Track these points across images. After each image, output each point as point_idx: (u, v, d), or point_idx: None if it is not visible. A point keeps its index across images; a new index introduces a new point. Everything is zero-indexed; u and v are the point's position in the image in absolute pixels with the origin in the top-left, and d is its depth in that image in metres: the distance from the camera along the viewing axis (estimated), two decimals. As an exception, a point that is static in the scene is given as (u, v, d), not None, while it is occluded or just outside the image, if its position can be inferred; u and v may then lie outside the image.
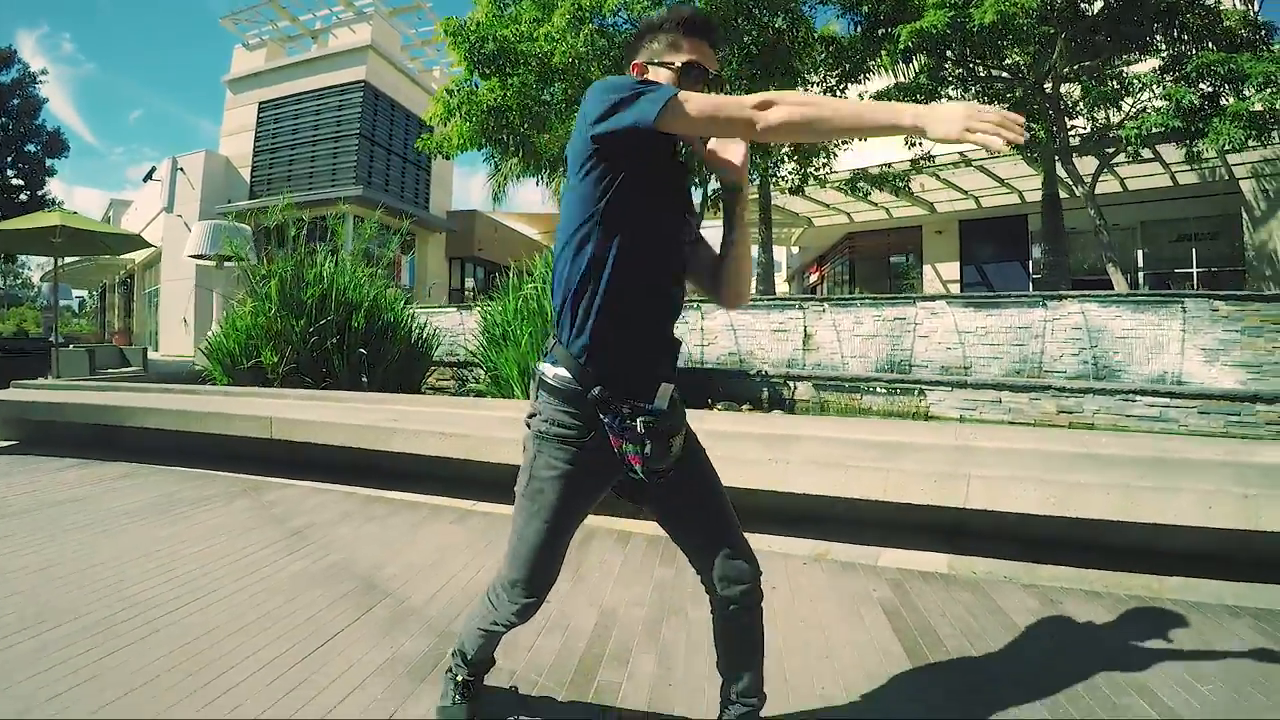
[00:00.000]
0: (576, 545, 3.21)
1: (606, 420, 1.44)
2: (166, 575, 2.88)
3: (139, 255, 26.52)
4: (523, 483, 1.56)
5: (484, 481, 3.93)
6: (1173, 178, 16.67)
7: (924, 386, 9.35)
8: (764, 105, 1.28)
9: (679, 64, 1.51)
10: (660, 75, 1.52)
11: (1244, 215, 15.96)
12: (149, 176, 24.39)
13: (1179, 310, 8.47)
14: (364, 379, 7.06)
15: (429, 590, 2.77)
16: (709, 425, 4.37)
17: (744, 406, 9.19)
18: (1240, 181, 15.79)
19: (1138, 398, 8.22)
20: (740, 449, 3.44)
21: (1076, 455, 3.46)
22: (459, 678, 1.82)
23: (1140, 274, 18.28)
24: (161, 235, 23.13)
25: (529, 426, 1.55)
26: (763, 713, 1.71)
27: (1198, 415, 8.01)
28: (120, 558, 3.08)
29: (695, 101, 1.31)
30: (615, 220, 1.42)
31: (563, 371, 1.48)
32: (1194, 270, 17.76)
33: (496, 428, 3.99)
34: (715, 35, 1.57)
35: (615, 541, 3.34)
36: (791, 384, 10.12)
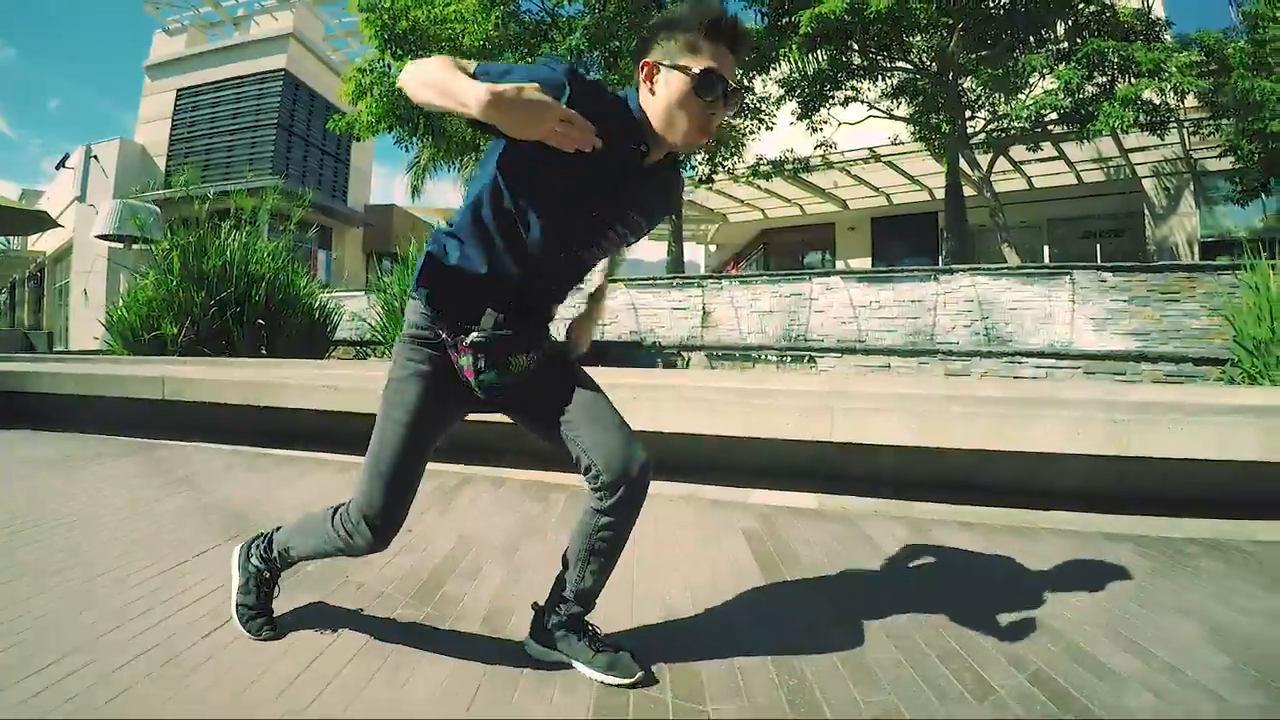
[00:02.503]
0: (450, 489, 3.29)
1: (443, 335, 1.49)
2: (52, 515, 2.89)
3: (49, 248, 25.37)
4: (384, 392, 1.56)
5: (362, 435, 3.93)
6: (1078, 176, 17.49)
7: (815, 354, 9.64)
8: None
9: (696, 70, 1.37)
10: (673, 80, 1.38)
11: (1146, 212, 16.84)
12: (61, 164, 23.42)
13: (1068, 281, 8.89)
14: (263, 351, 6.97)
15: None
16: (594, 378, 4.45)
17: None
18: (1142, 180, 16.66)
19: (1025, 359, 8.58)
20: (613, 394, 3.50)
21: (945, 396, 3.61)
22: (266, 574, 1.83)
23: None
24: (74, 224, 22.18)
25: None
26: (596, 622, 1.74)
27: (1084, 375, 8.38)
28: (9, 503, 3.08)
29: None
30: (505, 175, 1.43)
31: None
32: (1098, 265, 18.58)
33: (372, 381, 4.00)
34: (741, 42, 1.43)
35: (489, 485, 3.40)
36: (685, 354, 10.32)
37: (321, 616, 1.95)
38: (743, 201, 21.31)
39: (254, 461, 3.92)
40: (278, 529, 1.86)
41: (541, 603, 1.75)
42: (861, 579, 2.30)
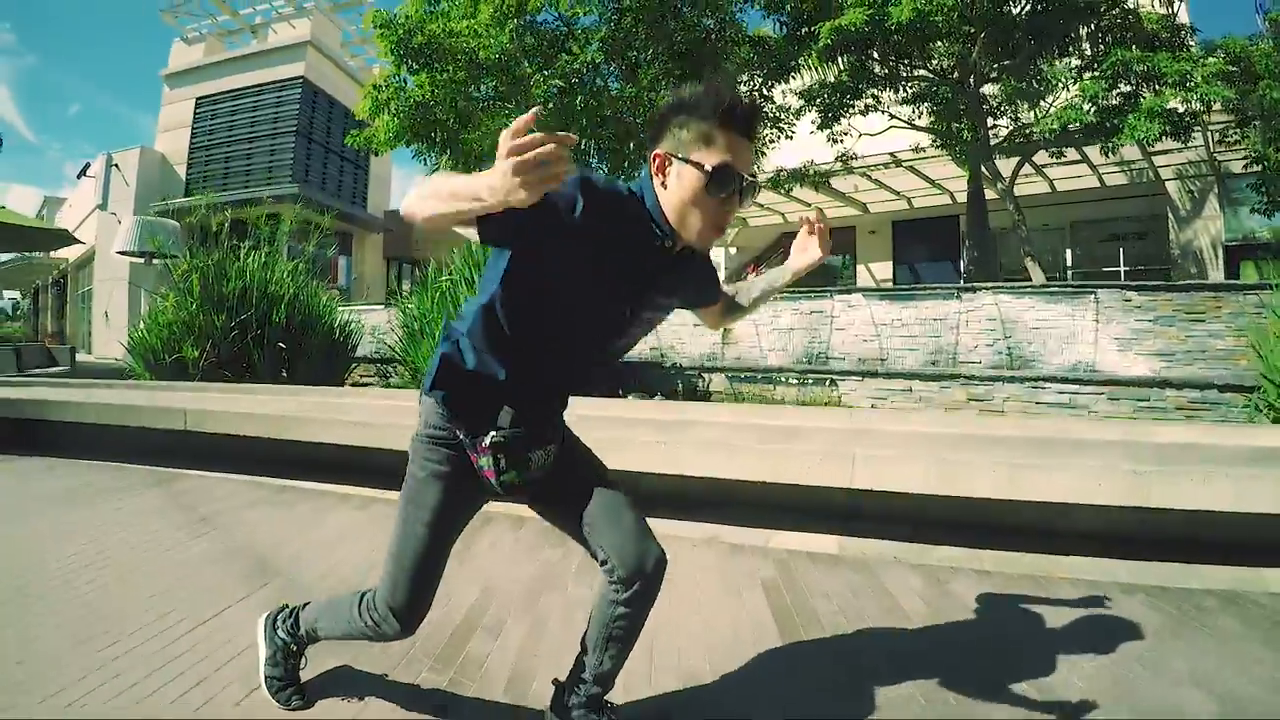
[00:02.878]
0: (472, 531, 3.26)
1: (461, 435, 1.46)
2: (71, 554, 2.93)
3: (72, 255, 25.70)
4: (404, 489, 1.54)
5: (388, 470, 3.96)
6: (1100, 179, 17.23)
7: (836, 377, 9.56)
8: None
9: (709, 166, 1.29)
10: (685, 174, 1.31)
11: (1170, 215, 16.58)
12: (83, 173, 23.72)
13: (1092, 301, 8.77)
14: (284, 373, 7.01)
15: (320, 570, 2.82)
16: (609, 412, 4.47)
17: (656, 397, 9.29)
18: (1166, 183, 16.41)
19: (1047, 384, 8.48)
20: (633, 433, 3.52)
21: (966, 436, 3.57)
22: (293, 647, 1.84)
23: (1069, 273, 18.84)
24: (95, 233, 22.48)
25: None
26: (613, 694, 1.74)
27: (1108, 401, 8.27)
28: (26, 539, 3.14)
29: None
30: (517, 287, 1.38)
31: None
32: (1121, 269, 18.32)
33: (402, 416, 4.02)
34: (756, 127, 1.37)
35: (510, 525, 3.40)
36: (706, 376, 10.26)
37: (349, 683, 1.96)
38: (763, 206, 21.23)
39: (277, 496, 3.95)
40: (305, 605, 1.86)
41: (562, 679, 1.74)
42: (878, 639, 2.29)
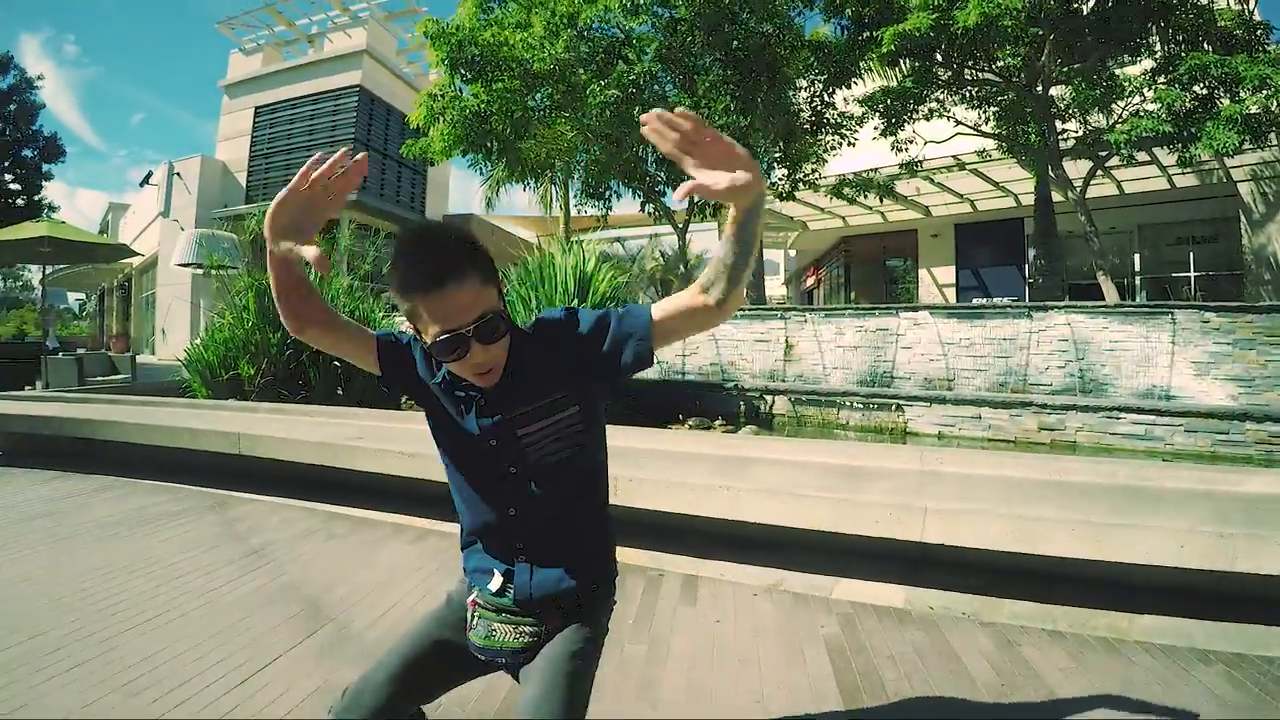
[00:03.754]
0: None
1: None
2: (126, 592, 2.97)
3: (136, 259, 26.60)
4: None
5: (439, 500, 3.91)
6: (1170, 181, 16.69)
7: (902, 402, 9.24)
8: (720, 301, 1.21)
9: (427, 345, 1.24)
10: None
11: (1242, 218, 15.98)
12: (145, 181, 24.52)
13: (1168, 322, 8.41)
14: (339, 391, 7.05)
15: (371, 616, 2.77)
16: (669, 446, 4.32)
17: (717, 422, 9.09)
18: (1238, 185, 15.81)
19: (1122, 415, 8.13)
20: (692, 474, 3.38)
21: (1043, 483, 3.37)
22: None
23: (1137, 278, 18.29)
24: (158, 240, 23.21)
25: None
26: None
27: (1184, 433, 7.89)
28: (85, 574, 3.16)
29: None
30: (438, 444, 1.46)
31: None
32: (1191, 274, 17.78)
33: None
34: (451, 270, 1.18)
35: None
36: (768, 398, 10.06)
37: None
38: (822, 210, 20.96)
39: (329, 525, 3.95)
40: None
41: None
42: (944, 709, 2.17)
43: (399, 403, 8.33)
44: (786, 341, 10.61)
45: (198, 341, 7.68)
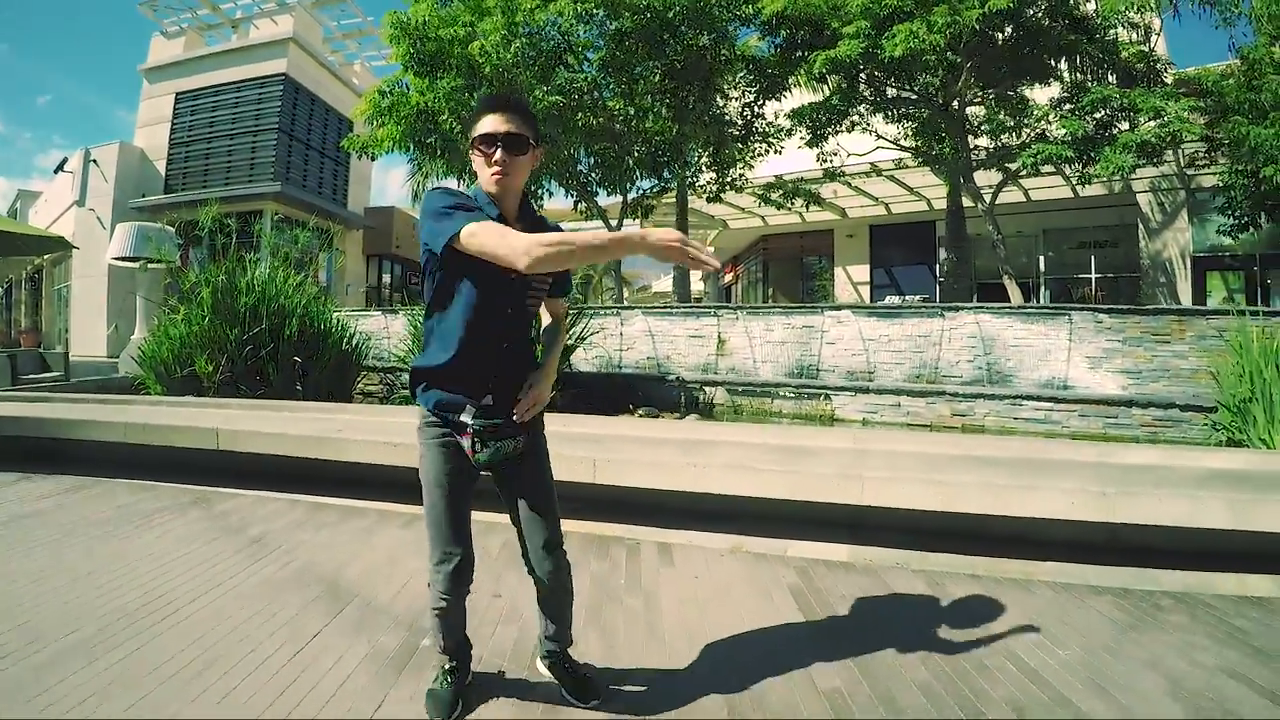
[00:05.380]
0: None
1: (449, 419, 2.00)
2: (143, 587, 3.01)
3: (49, 250, 25.26)
4: (419, 467, 2.07)
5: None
6: (1074, 190, 17.81)
7: (830, 392, 10.00)
8: (528, 247, 1.66)
9: (474, 136, 1.95)
10: (472, 153, 1.97)
11: (1140, 226, 17.21)
12: (60, 168, 23.41)
13: (1066, 321, 9.33)
14: (298, 387, 7.15)
15: (392, 589, 3.03)
16: (633, 431, 4.76)
17: (662, 413, 9.68)
18: (1138, 195, 17.00)
19: (1025, 402, 9.00)
20: (662, 454, 3.84)
21: (956, 457, 3.95)
22: (444, 665, 2.18)
23: (1042, 279, 19.45)
24: (73, 229, 22.19)
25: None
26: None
27: (1079, 418, 8.82)
28: (95, 571, 3.20)
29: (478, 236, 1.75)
30: (443, 289, 1.97)
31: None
32: (1093, 275, 18.99)
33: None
34: (499, 105, 1.95)
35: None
36: (708, 389, 10.67)
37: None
38: (743, 209, 21.61)
39: (316, 515, 4.12)
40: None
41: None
42: (887, 630, 2.71)
43: (352, 394, 8.49)
44: (719, 337, 11.25)
45: (144, 337, 7.62)
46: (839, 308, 10.80)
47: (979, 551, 3.36)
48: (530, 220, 2.03)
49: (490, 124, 1.91)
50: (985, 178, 13.90)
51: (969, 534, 3.40)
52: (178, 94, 23.92)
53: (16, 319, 30.72)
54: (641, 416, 8.74)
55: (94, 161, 22.26)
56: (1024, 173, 12.12)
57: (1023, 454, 4.06)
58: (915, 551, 3.43)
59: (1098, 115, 11.04)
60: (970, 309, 9.96)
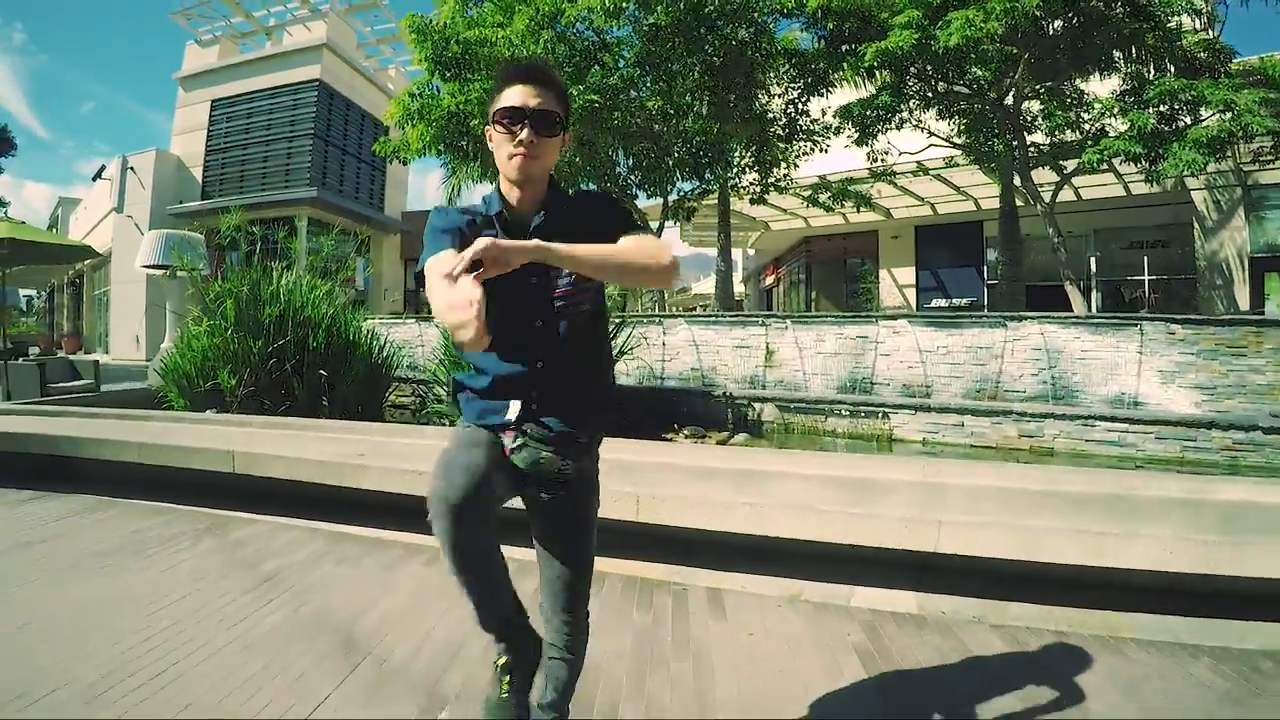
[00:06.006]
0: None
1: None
2: (149, 629, 2.82)
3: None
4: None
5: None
6: (1126, 188, 17.17)
7: (888, 409, 9.41)
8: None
9: (494, 111, 1.62)
10: (493, 132, 1.63)
11: (1195, 225, 16.54)
12: (98, 175, 23.80)
13: (1137, 333, 8.76)
14: (324, 401, 6.89)
15: (411, 644, 2.74)
16: (680, 459, 4.38)
17: (709, 432, 9.12)
18: (1193, 192, 16.32)
19: (1097, 422, 8.42)
20: (713, 490, 3.47)
21: (1040, 493, 3.54)
22: (496, 659, 1.73)
23: (1092, 280, 18.77)
24: (111, 236, 22.51)
25: None
26: None
27: (1155, 440, 8.21)
28: (101, 609, 3.02)
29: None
30: None
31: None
32: (1146, 278, 18.32)
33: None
34: (529, 72, 1.63)
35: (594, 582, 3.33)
36: (756, 405, 10.17)
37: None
38: (786, 210, 21.19)
39: (338, 547, 3.87)
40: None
41: None
42: (970, 706, 2.36)
43: (383, 409, 8.20)
44: (767, 347, 10.73)
45: (169, 347, 7.44)
46: (894, 317, 10.32)
47: (1061, 601, 3.01)
48: (563, 206, 1.67)
49: (516, 96, 1.58)
50: (1038, 176, 13.29)
51: (1051, 581, 3.03)
52: (213, 101, 24.17)
53: (59, 323, 31.34)
54: (687, 437, 8.31)
55: (131, 169, 22.54)
56: (1091, 167, 11.43)
57: (1111, 489, 3.65)
58: (991, 601, 3.08)
59: (1161, 109, 10.43)
60: (1035, 319, 9.42)
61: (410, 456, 4.18)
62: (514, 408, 1.62)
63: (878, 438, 9.18)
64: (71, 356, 12.68)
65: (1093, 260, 18.96)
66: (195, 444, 4.68)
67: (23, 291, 41.03)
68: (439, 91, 12.02)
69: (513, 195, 1.65)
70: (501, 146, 1.60)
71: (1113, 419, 8.31)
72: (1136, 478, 4.03)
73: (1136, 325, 8.76)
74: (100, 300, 25.87)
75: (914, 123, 13.61)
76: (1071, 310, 11.27)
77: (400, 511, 4.01)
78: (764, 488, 3.53)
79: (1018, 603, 3.03)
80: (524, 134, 1.56)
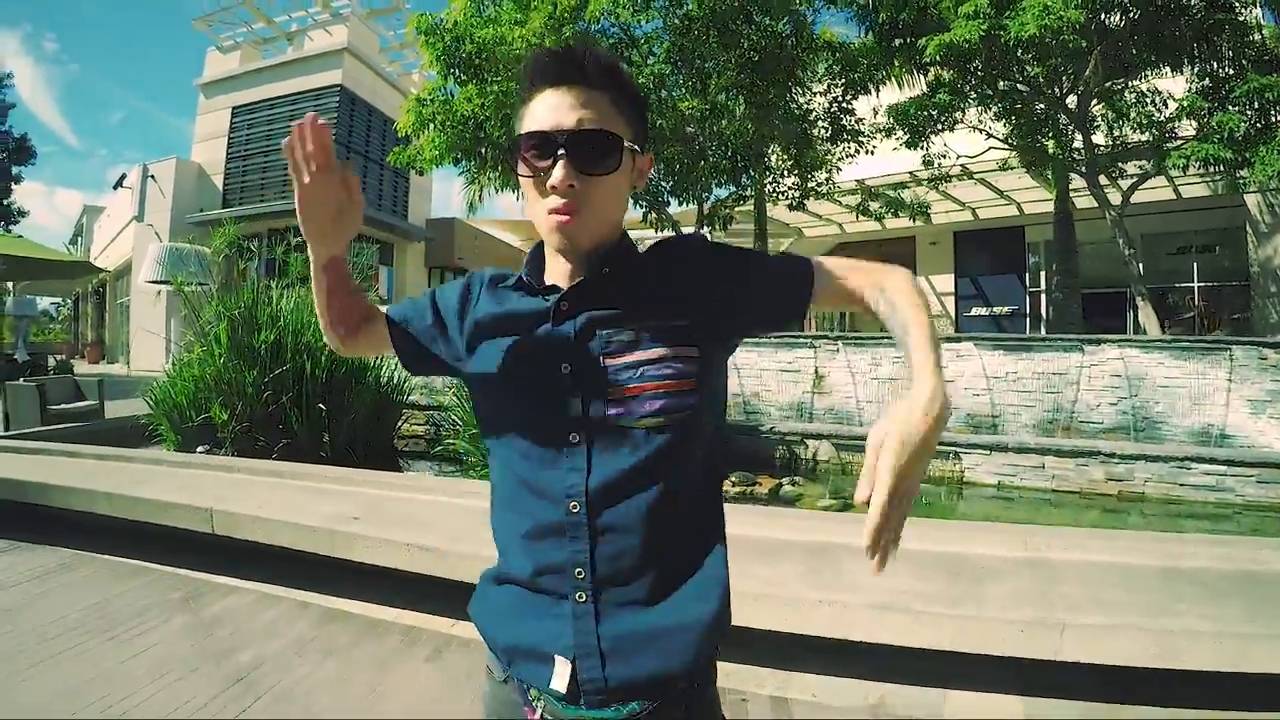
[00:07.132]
0: None
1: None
2: None
3: (110, 265, 25.66)
4: None
5: (465, 592, 3.30)
6: (1176, 190, 16.33)
7: (960, 450, 8.37)
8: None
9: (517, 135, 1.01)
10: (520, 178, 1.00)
11: (1248, 229, 15.75)
12: (119, 184, 23.68)
13: (1225, 358, 7.92)
14: (325, 437, 6.30)
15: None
16: (736, 527, 3.71)
17: (758, 478, 7.99)
18: (1245, 195, 15.45)
19: (1193, 465, 7.46)
20: (781, 575, 2.87)
21: (1163, 571, 2.93)
22: None
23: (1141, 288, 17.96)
24: (132, 245, 22.39)
25: None
26: None
27: (1256, 484, 7.25)
28: (51, 706, 2.61)
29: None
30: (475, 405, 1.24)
31: None
32: (1195, 284, 17.56)
33: (479, 527, 3.35)
34: (573, 67, 0.95)
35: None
36: (809, 443, 9.16)
37: None
38: (821, 217, 20.48)
39: (325, 630, 3.29)
40: None
41: None
42: None
43: (392, 443, 7.61)
44: (816, 372, 9.79)
45: (164, 375, 6.89)
46: (958, 339, 9.36)
47: (1184, 702, 2.48)
48: (634, 283, 1.00)
49: (546, 109, 0.94)
50: (1082, 180, 12.48)
51: (1185, 678, 2.44)
52: (234, 108, 23.99)
53: (83, 331, 31.44)
54: (735, 484, 7.53)
55: (152, 177, 22.39)
56: (1177, 169, 10.58)
57: (1241, 565, 3.02)
58: (1105, 704, 2.53)
59: (1249, 111, 9.59)
60: (1115, 342, 8.53)
61: (408, 522, 3.59)
62: (562, 673, 0.93)
63: (947, 480, 8.21)
64: (82, 374, 12.28)
65: (1140, 267, 18.10)
66: (171, 498, 4.13)
67: (48, 299, 41.49)
68: (454, 95, 11.39)
69: (557, 270, 1.02)
70: (533, 196, 0.97)
71: (1211, 460, 7.41)
72: (1266, 549, 3.35)
73: (1227, 349, 7.87)
74: (122, 309, 25.79)
75: (973, 123, 12.71)
76: (1130, 321, 10.47)
77: (397, 581, 3.45)
78: (841, 570, 2.90)
79: (1137, 704, 2.52)
80: (557, 175, 0.91)
